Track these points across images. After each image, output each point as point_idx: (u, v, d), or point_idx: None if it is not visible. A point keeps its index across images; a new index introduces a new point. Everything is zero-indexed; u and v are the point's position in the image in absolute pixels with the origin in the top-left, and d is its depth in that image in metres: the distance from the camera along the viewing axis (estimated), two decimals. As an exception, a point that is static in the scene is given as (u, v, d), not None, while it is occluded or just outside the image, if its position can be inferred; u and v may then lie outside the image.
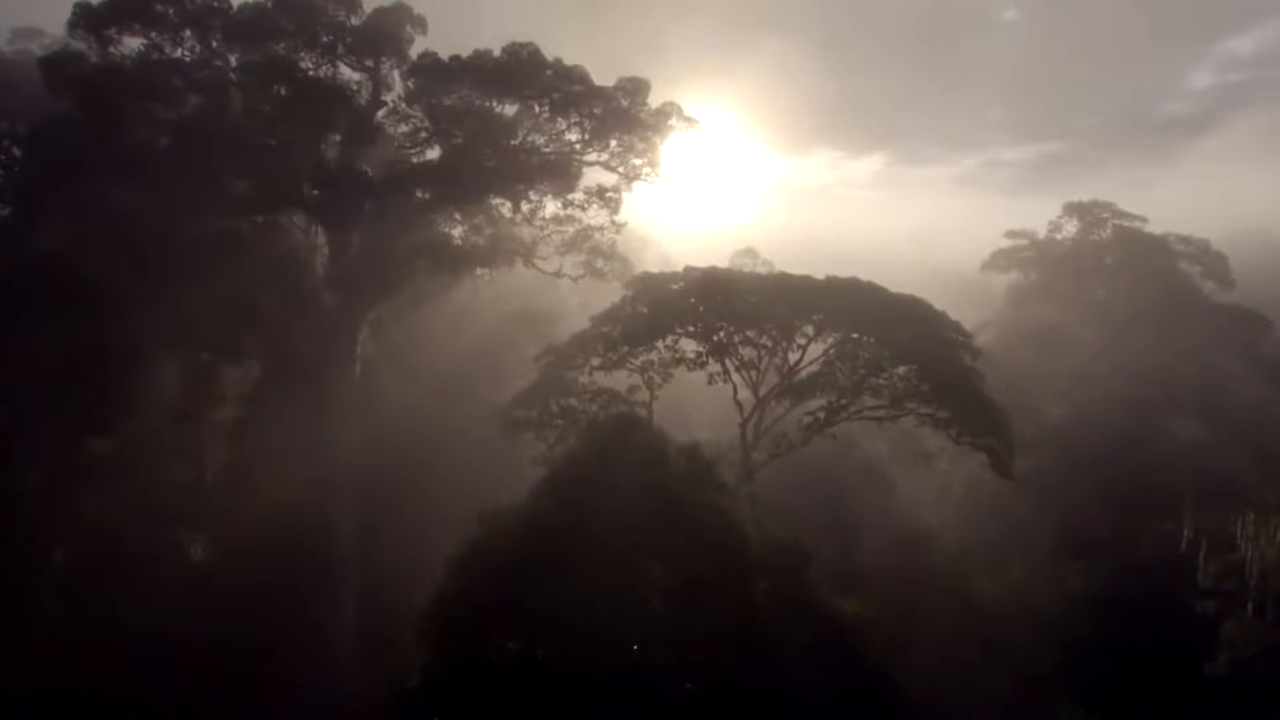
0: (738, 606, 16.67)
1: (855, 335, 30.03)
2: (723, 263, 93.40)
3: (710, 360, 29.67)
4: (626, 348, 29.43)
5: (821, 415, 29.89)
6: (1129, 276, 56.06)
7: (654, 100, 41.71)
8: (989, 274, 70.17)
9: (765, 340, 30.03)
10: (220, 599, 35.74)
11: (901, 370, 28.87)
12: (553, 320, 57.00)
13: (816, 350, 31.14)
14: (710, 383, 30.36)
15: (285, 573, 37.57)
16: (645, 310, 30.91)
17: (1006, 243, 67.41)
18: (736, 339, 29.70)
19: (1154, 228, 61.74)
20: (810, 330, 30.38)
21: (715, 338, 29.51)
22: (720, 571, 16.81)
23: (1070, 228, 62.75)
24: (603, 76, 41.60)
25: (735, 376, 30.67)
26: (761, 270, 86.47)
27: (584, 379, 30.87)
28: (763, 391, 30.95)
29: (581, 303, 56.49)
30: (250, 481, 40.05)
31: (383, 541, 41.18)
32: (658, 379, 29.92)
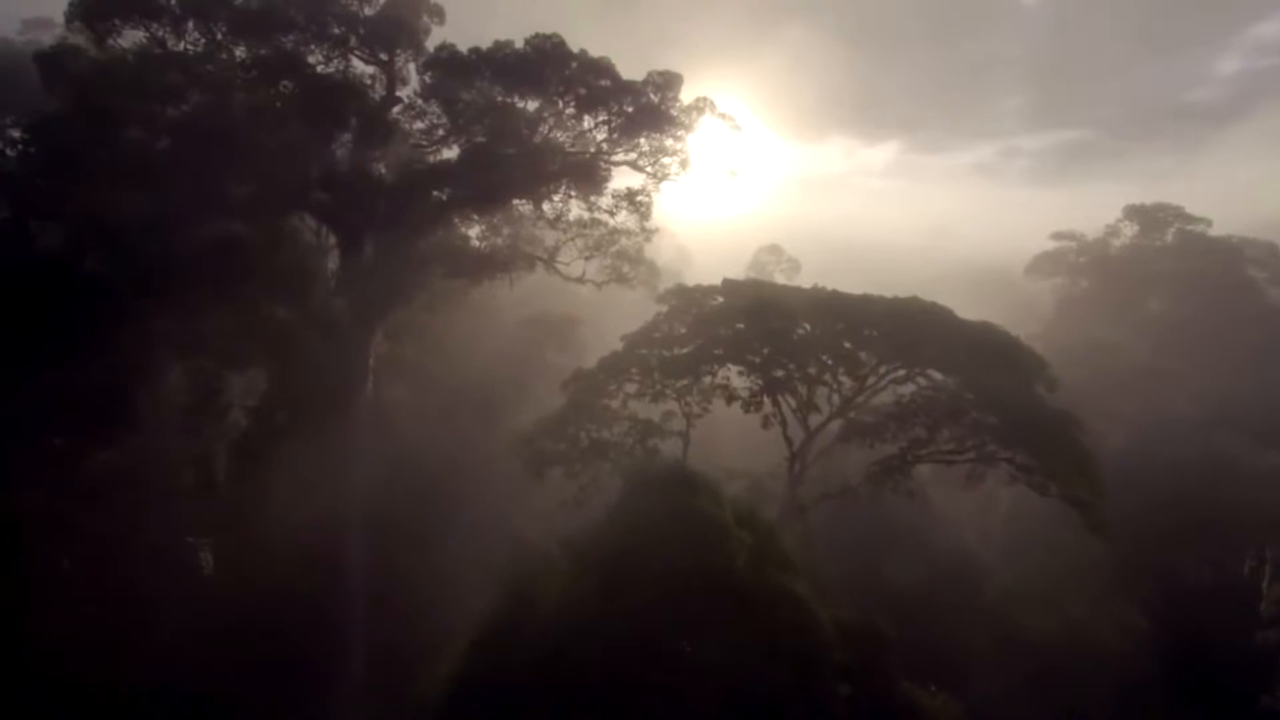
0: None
1: (928, 370, 27.02)
2: (744, 257, 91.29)
3: (765, 400, 26.79)
4: (666, 378, 26.65)
5: (895, 464, 26.88)
6: (1192, 285, 52.41)
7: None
8: (1015, 270, 67.15)
9: (824, 374, 26.88)
10: (228, 620, 34.37)
11: (990, 419, 25.63)
12: (573, 324, 54.94)
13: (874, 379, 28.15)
14: (765, 426, 27.56)
15: (295, 598, 35.98)
16: (684, 330, 28.27)
17: (1027, 235, 64.53)
18: (795, 374, 26.68)
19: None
20: (872, 359, 27.39)
21: (774, 374, 26.56)
22: (798, 676, 14.46)
23: (1129, 231, 59.12)
24: (619, 64, 38.88)
25: (789, 414, 27.75)
26: (786, 268, 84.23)
27: (614, 404, 28.23)
28: (814, 423, 28.07)
29: (601, 303, 54.31)
30: (257, 505, 38.26)
31: (397, 564, 39.19)
32: (697, 409, 27.36)
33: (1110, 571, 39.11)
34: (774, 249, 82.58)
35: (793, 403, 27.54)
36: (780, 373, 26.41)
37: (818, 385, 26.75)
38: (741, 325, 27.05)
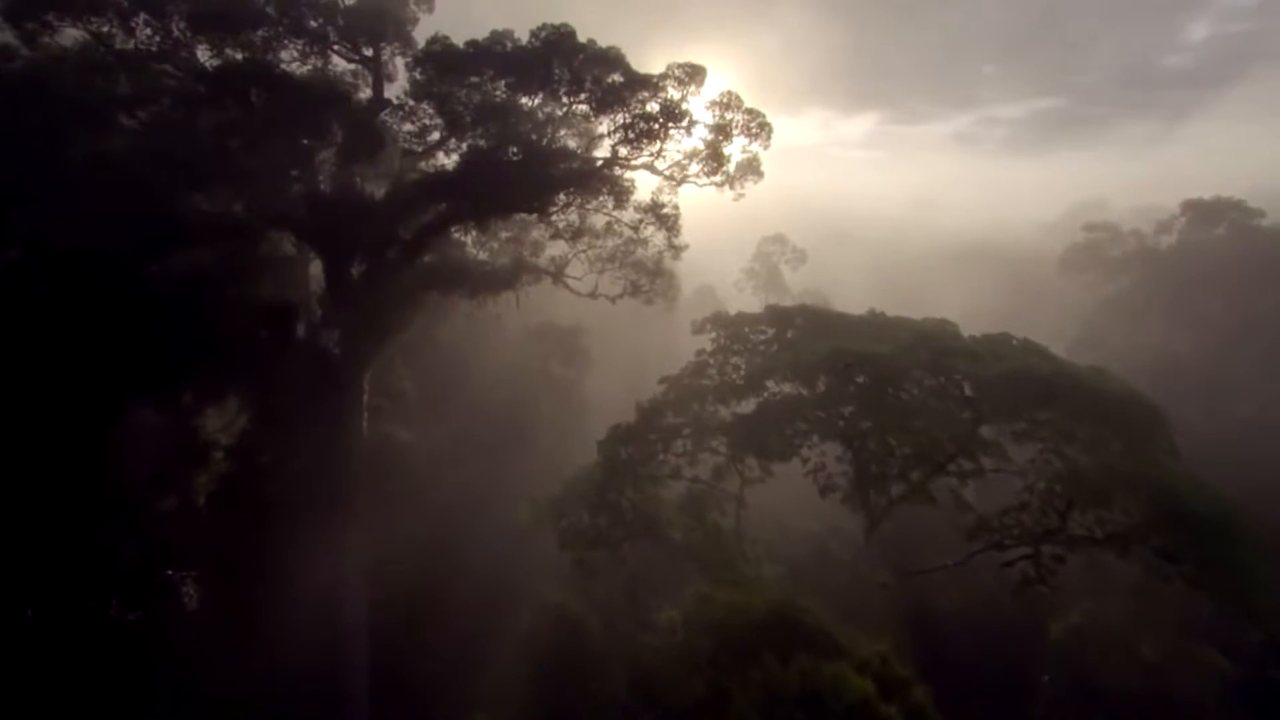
0: None
1: (1053, 441, 22.81)
2: (733, 232, 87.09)
3: (872, 494, 22.47)
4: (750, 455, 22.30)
5: (1033, 572, 22.64)
6: (1255, 283, 48.51)
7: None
8: (1009, 243, 63.55)
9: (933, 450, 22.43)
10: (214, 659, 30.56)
11: (1142, 505, 21.31)
12: (578, 335, 51.10)
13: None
14: (872, 528, 23.35)
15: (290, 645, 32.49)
16: (742, 380, 24.10)
17: (1013, 204, 61.77)
18: (898, 450, 22.10)
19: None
20: (970, 414, 23.06)
21: (877, 453, 21.96)
22: None
23: (1178, 225, 55.36)
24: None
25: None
26: (792, 259, 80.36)
27: (661, 465, 24.03)
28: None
29: (607, 307, 50.39)
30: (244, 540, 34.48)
31: (400, 621, 35.26)
32: (759, 473, 23.36)
33: (1184, 606, 35.81)
34: (778, 239, 78.61)
35: (898, 490, 23.31)
36: (883, 451, 22.03)
37: (916, 462, 22.42)
38: (823, 385, 22.70)
